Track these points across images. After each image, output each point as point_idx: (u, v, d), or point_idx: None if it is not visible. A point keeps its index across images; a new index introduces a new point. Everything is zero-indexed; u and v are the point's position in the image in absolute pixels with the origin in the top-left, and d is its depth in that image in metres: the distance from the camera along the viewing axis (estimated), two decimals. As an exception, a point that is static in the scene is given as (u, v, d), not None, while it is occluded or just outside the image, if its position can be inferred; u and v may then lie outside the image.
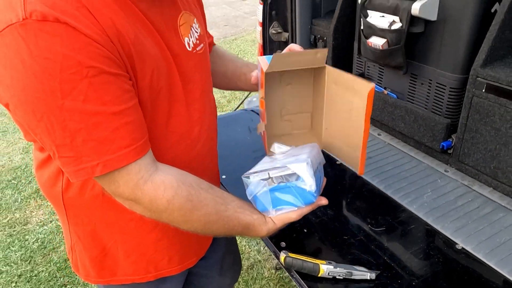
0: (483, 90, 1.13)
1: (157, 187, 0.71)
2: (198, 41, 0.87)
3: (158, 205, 0.72)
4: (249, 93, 2.15)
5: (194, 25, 0.87)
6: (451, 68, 1.28)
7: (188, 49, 0.83)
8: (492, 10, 1.18)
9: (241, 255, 2.37)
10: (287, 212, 0.85)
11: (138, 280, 0.96)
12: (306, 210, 0.86)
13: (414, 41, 1.34)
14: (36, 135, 0.67)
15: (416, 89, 1.44)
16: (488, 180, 1.20)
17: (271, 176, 0.83)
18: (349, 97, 0.92)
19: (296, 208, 0.85)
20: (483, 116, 1.15)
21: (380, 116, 1.50)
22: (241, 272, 2.25)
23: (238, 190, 1.05)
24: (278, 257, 0.96)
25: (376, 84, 1.61)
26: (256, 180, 0.84)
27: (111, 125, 0.65)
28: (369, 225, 1.06)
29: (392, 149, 1.43)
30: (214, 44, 1.12)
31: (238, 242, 2.45)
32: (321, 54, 0.94)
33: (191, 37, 0.84)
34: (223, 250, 1.20)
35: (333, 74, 0.97)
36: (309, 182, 0.81)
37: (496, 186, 1.18)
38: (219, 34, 5.96)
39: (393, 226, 1.06)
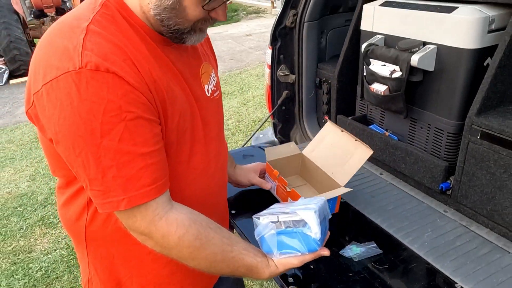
0: (478, 137, 1.22)
1: (170, 224, 0.77)
2: (215, 88, 0.98)
3: (169, 241, 0.78)
4: (257, 130, 2.24)
5: (212, 74, 0.98)
6: (448, 114, 1.37)
7: (207, 94, 0.93)
8: (485, 64, 1.29)
9: (244, 289, 2.38)
10: (290, 257, 0.90)
11: None
12: (308, 257, 0.91)
13: (413, 88, 1.44)
14: (73, 168, 0.75)
15: (416, 133, 1.53)
16: (485, 221, 1.26)
17: (280, 219, 0.90)
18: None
19: (300, 254, 0.90)
20: (478, 160, 1.23)
21: (382, 157, 1.57)
22: (244, 306, 2.25)
23: (247, 225, 1.12)
24: (286, 292, 1.01)
25: (378, 126, 1.70)
26: (265, 222, 0.91)
27: (138, 165, 0.72)
28: (372, 263, 1.11)
29: (393, 189, 1.50)
30: None
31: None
32: (293, 145, 1.49)
33: (209, 84, 0.95)
34: (230, 282, 1.25)
35: (305, 161, 1.45)
36: (314, 229, 0.87)
37: (493, 227, 1.24)
38: (224, 68, 6.15)
39: (396, 264, 1.11)
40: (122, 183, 0.72)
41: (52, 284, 2.39)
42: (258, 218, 0.92)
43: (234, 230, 1.31)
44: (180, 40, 0.81)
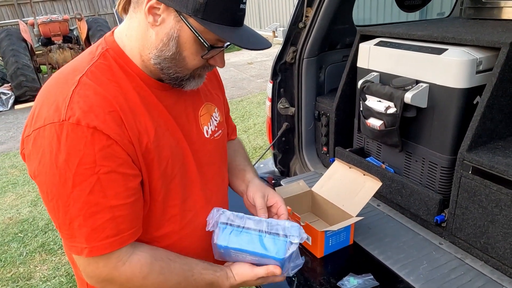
0: (470, 172, 1.27)
1: (134, 267, 0.80)
2: (216, 128, 1.00)
3: (134, 283, 0.80)
4: (258, 160, 2.29)
5: (214, 114, 1.01)
6: (441, 149, 1.43)
7: (206, 136, 0.96)
8: (474, 102, 1.36)
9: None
10: (243, 265, 0.90)
11: None
12: (261, 271, 0.88)
13: (408, 123, 1.50)
14: (47, 210, 0.80)
15: (411, 166, 1.58)
16: (479, 254, 1.29)
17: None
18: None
19: (254, 258, 0.88)
20: (471, 195, 1.28)
21: (379, 189, 1.62)
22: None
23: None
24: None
25: (375, 158, 1.75)
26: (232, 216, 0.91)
27: (104, 216, 0.76)
28: (369, 295, 1.14)
29: (390, 220, 1.54)
30: (232, 139, 1.21)
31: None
32: (302, 183, 1.53)
33: (210, 125, 0.98)
34: None
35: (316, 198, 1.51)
36: (295, 239, 0.86)
37: (487, 260, 1.27)
38: (226, 96, 6.26)
39: (392, 297, 1.14)
40: (86, 232, 0.75)
41: (50, 312, 2.38)
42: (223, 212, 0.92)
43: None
44: (179, 86, 0.86)
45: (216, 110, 1.02)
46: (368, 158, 1.75)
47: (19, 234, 3.12)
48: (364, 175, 1.38)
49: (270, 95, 1.99)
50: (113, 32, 0.86)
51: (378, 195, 1.68)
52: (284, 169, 2.16)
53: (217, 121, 1.01)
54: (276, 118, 2.02)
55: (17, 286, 2.58)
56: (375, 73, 1.61)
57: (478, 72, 1.32)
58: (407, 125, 1.51)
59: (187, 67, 0.82)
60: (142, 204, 0.83)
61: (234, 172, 1.14)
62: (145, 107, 0.81)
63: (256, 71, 7.89)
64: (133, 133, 0.77)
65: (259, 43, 0.81)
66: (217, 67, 0.88)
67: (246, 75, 7.61)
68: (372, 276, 1.19)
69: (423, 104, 1.43)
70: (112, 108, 0.75)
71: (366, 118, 1.59)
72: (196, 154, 0.93)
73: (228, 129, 1.19)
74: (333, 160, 1.54)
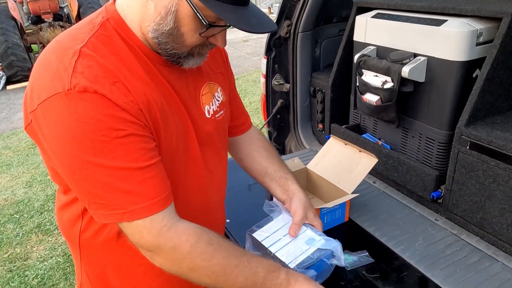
0: (467, 147, 1.24)
1: (181, 233, 0.77)
2: (218, 109, 0.97)
3: (182, 251, 0.76)
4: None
5: (217, 93, 0.97)
6: (438, 124, 1.40)
7: (207, 116, 0.93)
8: (474, 75, 1.32)
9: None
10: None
11: None
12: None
13: (405, 98, 1.47)
14: (71, 185, 0.77)
15: (407, 142, 1.55)
16: (475, 230, 1.29)
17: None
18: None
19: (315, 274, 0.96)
20: (468, 170, 1.26)
21: (375, 165, 1.60)
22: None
23: (241, 235, 1.13)
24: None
25: (371, 135, 1.73)
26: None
27: (136, 179, 0.74)
28: (364, 272, 1.13)
29: (386, 197, 1.52)
30: (248, 129, 1.19)
31: None
32: (297, 160, 1.50)
33: (212, 105, 0.95)
34: None
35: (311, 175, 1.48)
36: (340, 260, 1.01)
37: (482, 235, 1.26)
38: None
39: (387, 273, 1.13)
40: (122, 197, 0.73)
41: (48, 291, 2.39)
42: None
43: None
44: (177, 63, 0.82)
45: (219, 90, 0.98)
46: (364, 135, 1.73)
47: (15, 215, 3.11)
48: (360, 151, 1.35)
49: (264, 71, 1.94)
50: (114, 0, 0.81)
51: (374, 172, 1.66)
52: (279, 146, 2.13)
53: (220, 101, 0.98)
54: (270, 95, 1.98)
55: (14, 266, 2.59)
56: (372, 47, 1.56)
57: (478, 44, 1.28)
58: (404, 100, 1.48)
59: (185, 44, 0.78)
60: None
61: (274, 178, 1.12)
62: (151, 79, 0.78)
63: (251, 48, 7.77)
64: (142, 101, 0.75)
65: (261, 26, 0.76)
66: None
67: (242, 53, 7.49)
68: (367, 253, 1.18)
69: (421, 78, 1.39)
70: (117, 79, 0.72)
71: (363, 93, 1.55)
72: (198, 133, 0.90)
73: (240, 118, 1.15)
74: (329, 138, 1.51)
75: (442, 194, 1.39)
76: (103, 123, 0.69)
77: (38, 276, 2.49)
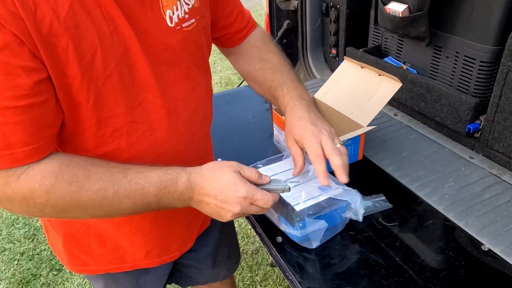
0: (521, 64, 0.96)
1: (32, 180, 0.60)
2: (187, 16, 0.73)
3: (36, 200, 0.61)
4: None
5: None
6: (482, 39, 1.10)
7: (170, 24, 0.69)
8: (537, -32, 0.99)
9: (246, 239, 2.28)
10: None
11: (113, 270, 0.90)
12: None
13: (439, 7, 1.16)
14: None
15: (440, 64, 1.27)
16: (521, 169, 1.04)
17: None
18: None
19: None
20: (519, 94, 0.98)
21: (397, 94, 1.33)
22: (246, 257, 2.17)
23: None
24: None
25: (394, 58, 1.44)
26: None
27: None
28: (379, 219, 0.93)
29: (410, 132, 1.28)
30: (248, 35, 0.95)
31: (243, 226, 2.36)
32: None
33: (178, 9, 0.70)
34: (215, 243, 1.10)
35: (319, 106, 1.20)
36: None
37: (530, 176, 1.02)
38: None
39: (408, 221, 0.92)
40: None
41: (51, 234, 2.36)
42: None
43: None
44: None
45: None
46: (386, 59, 1.44)
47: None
48: (379, 75, 1.09)
49: (266, -14, 1.63)
50: None
51: (396, 103, 1.40)
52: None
53: (189, 6, 0.73)
54: (275, 14, 1.69)
55: None
56: None
57: None
58: (439, 9, 1.17)
59: None
60: (53, 112, 0.61)
61: (275, 94, 0.91)
62: None
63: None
64: (23, 3, 0.52)
65: None
66: None
67: (255, -16, 6.92)
68: (384, 197, 0.96)
69: (464, -23, 1.07)
70: None
71: (386, 3, 1.25)
72: (150, 48, 0.67)
73: (236, 23, 0.91)
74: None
75: (480, 126, 1.13)
76: None
77: (41, 219, 2.46)
